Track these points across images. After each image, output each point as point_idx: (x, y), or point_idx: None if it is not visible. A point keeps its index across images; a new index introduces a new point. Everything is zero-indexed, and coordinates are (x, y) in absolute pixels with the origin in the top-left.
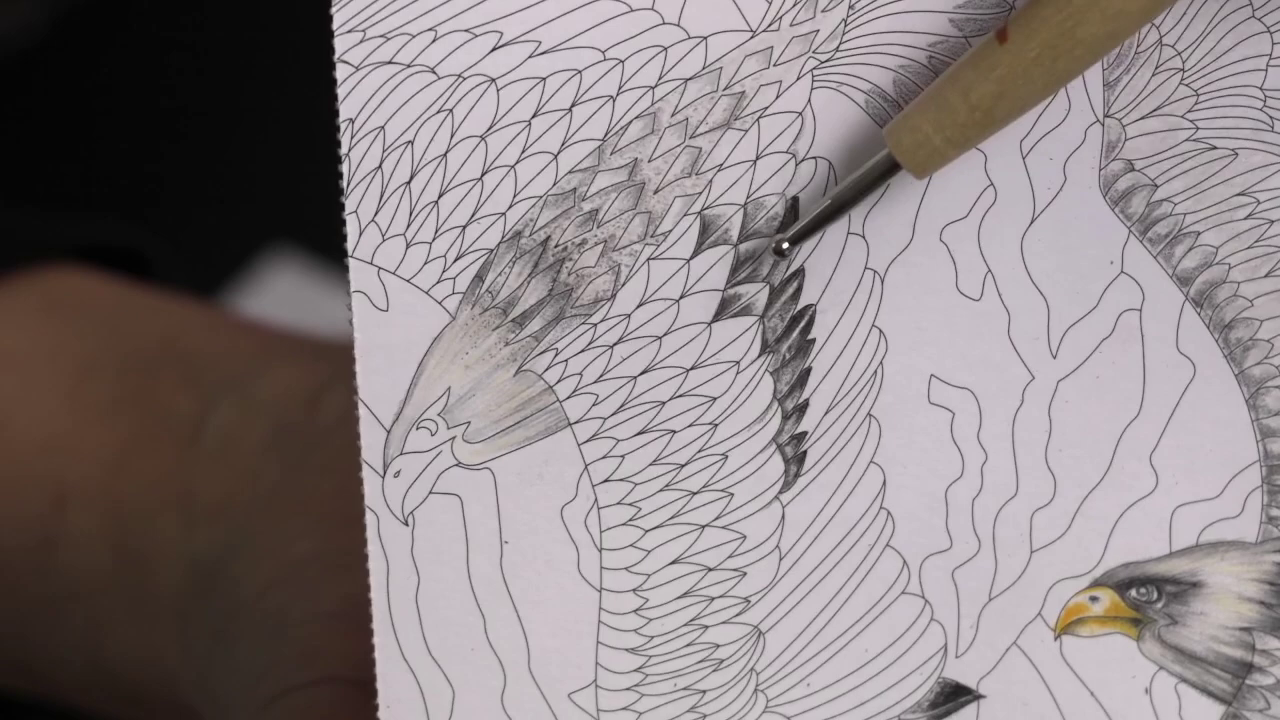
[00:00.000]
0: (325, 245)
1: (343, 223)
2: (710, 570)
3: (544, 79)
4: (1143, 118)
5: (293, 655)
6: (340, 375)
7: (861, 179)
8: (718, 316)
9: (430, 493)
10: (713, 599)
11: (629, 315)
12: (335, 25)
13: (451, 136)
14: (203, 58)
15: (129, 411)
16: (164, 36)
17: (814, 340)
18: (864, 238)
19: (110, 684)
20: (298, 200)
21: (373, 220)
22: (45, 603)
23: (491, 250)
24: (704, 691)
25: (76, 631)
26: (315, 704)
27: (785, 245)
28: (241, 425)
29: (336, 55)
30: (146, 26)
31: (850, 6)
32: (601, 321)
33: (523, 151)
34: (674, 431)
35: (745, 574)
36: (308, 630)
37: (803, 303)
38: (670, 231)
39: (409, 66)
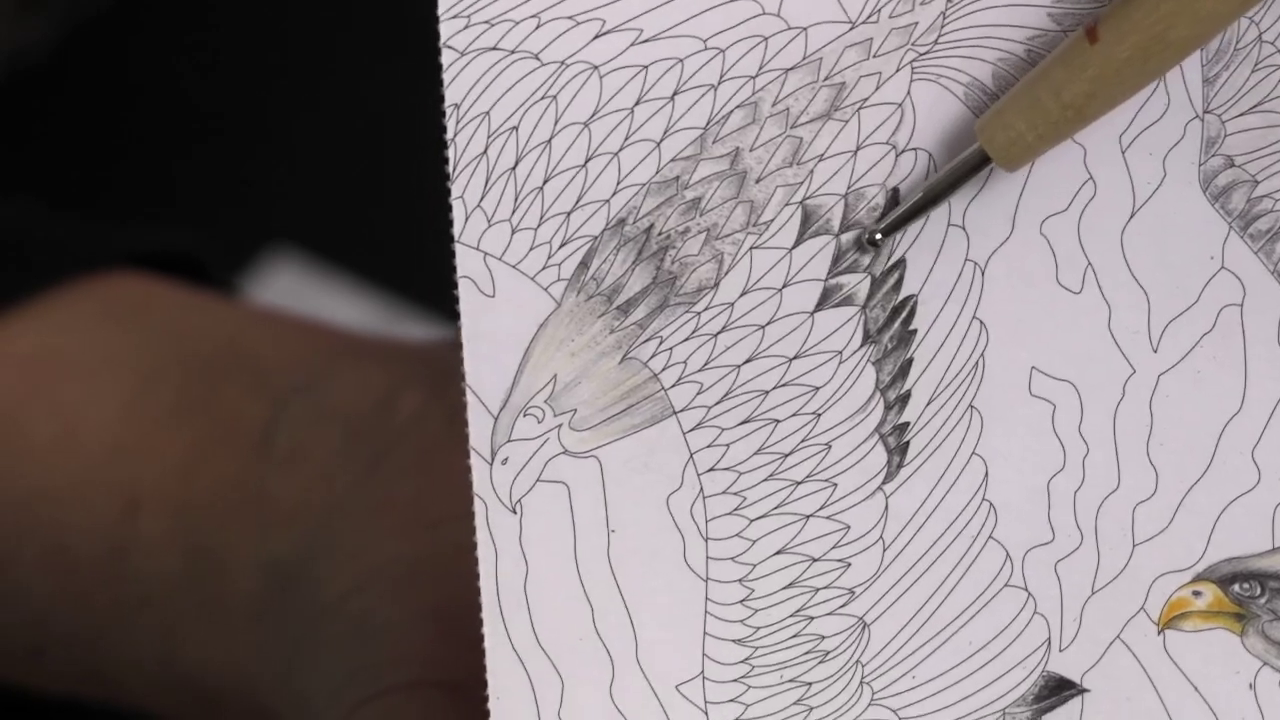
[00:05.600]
0: (326, 245)
1: (343, 224)
2: (815, 561)
3: (646, 67)
4: (1242, 114)
5: (381, 659)
6: (411, 376)
7: (954, 172)
8: (820, 306)
9: (538, 480)
10: (818, 590)
11: (732, 304)
12: (440, 10)
13: (555, 123)
14: (204, 61)
15: (196, 417)
16: (165, 41)
17: (915, 331)
18: (964, 229)
19: (185, 689)
20: (299, 201)
21: (478, 205)
22: (118, 609)
23: (596, 237)
24: (810, 684)
25: (150, 637)
26: (407, 708)
27: (879, 236)
28: (313, 430)
29: (442, 40)
30: (146, 35)
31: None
32: (705, 310)
33: (626, 139)
34: (777, 421)
35: (850, 565)
36: (396, 633)
37: (904, 294)
38: (772, 221)
39: (513, 53)
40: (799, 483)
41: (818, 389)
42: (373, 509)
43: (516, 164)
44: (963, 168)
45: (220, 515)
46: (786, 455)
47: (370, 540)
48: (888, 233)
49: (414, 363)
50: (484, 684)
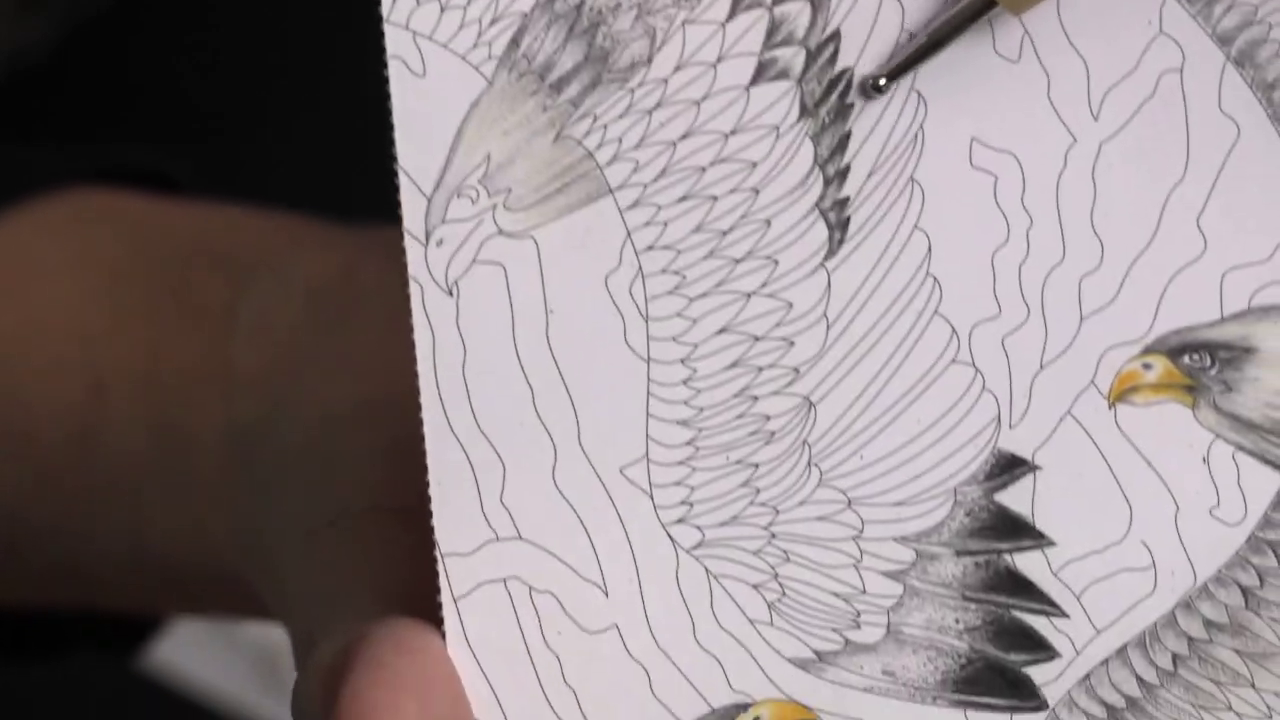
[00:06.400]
0: None
1: (342, 224)
2: (758, 340)
3: None
4: None
5: (339, 490)
6: (372, 251)
7: (960, 15)
8: (755, 81)
9: (474, 262)
10: (761, 369)
11: (666, 80)
12: None
13: None
14: (204, 61)
15: (164, 305)
16: (165, 41)
17: (853, 105)
18: (899, 0)
19: (155, 569)
20: (299, 201)
21: None
22: (87, 493)
23: (526, 14)
24: (757, 465)
25: (119, 518)
26: (361, 530)
27: (883, 82)
28: (277, 301)
29: None
30: (146, 35)
31: None
32: (639, 86)
33: None
34: (715, 198)
35: (793, 343)
36: (353, 468)
37: (840, 66)
38: None
39: None
40: (739, 260)
41: (755, 164)
42: (334, 363)
43: None
44: (968, 11)
45: (186, 390)
46: (726, 233)
47: (331, 389)
48: (891, 78)
49: (374, 241)
50: None
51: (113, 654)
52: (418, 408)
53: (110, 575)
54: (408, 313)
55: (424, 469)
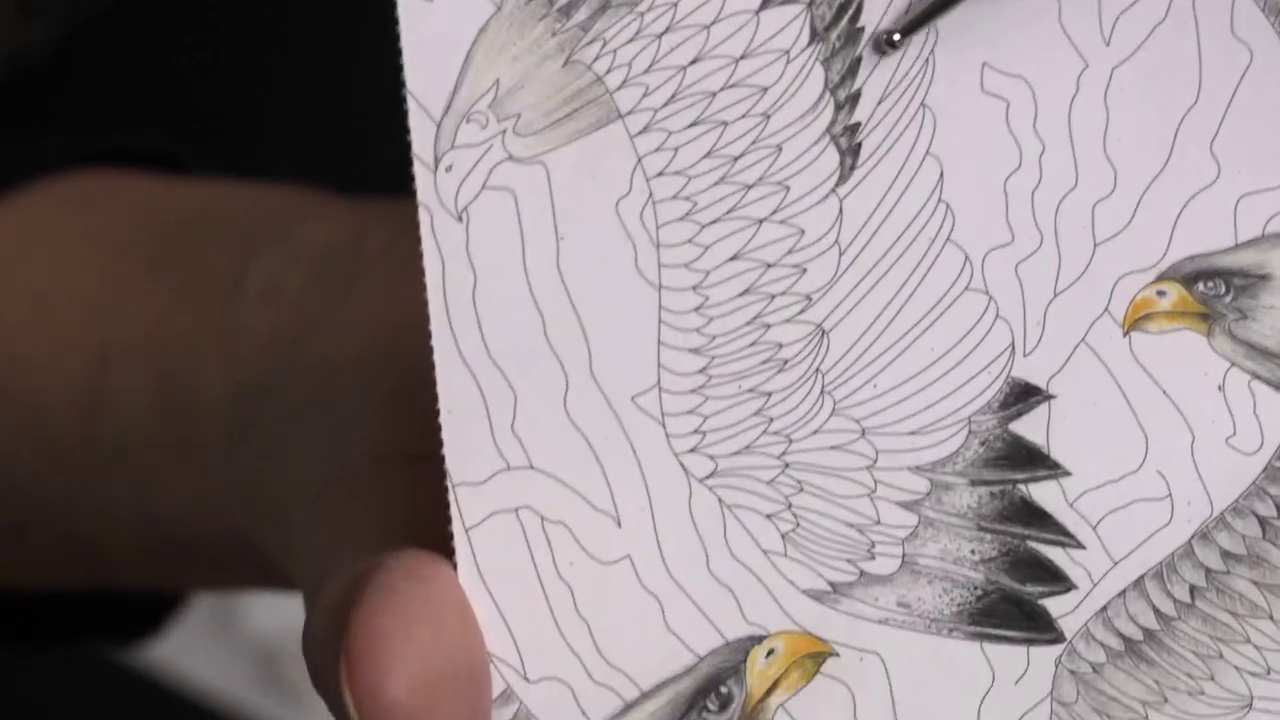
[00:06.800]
0: None
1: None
2: (770, 266)
3: None
4: None
5: (344, 442)
6: (379, 219)
7: None
8: (765, 4)
9: (483, 188)
10: (773, 296)
11: (675, 4)
12: None
13: None
14: (204, 61)
15: (169, 277)
16: (165, 41)
17: (863, 28)
18: None
19: (163, 537)
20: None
21: None
22: (94, 465)
23: None
24: (769, 394)
25: (126, 489)
26: (369, 479)
27: (898, 37)
28: (283, 267)
29: None
30: (146, 35)
31: None
32: (648, 10)
33: None
34: (726, 123)
35: (805, 270)
36: (359, 418)
37: None
38: None
39: None
40: (750, 186)
41: (766, 89)
42: (340, 325)
43: None
44: None
45: (190, 357)
46: (737, 158)
47: (335, 347)
48: (905, 33)
49: (381, 210)
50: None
51: (123, 641)
52: (426, 350)
53: (120, 547)
54: (415, 277)
55: (430, 416)
